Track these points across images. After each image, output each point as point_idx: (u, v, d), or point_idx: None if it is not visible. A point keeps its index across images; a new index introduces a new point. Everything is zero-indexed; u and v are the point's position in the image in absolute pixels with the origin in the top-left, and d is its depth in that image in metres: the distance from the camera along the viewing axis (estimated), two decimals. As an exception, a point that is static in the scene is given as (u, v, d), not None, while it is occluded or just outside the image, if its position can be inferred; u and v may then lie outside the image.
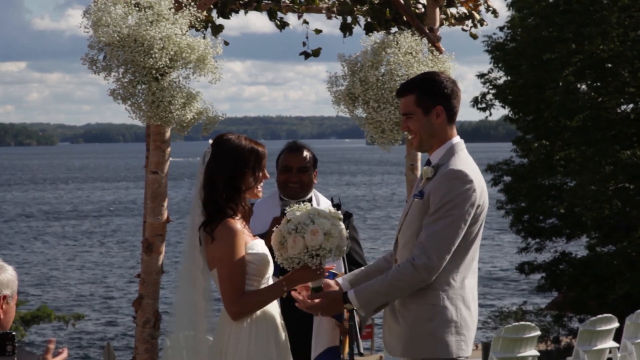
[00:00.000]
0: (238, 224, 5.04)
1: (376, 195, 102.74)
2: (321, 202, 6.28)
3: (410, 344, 4.90)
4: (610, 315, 12.39)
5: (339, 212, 5.04)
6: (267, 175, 5.26)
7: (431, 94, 4.99)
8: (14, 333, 3.25)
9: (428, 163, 5.03)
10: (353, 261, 6.00)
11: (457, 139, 5.02)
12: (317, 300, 4.97)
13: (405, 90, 5.06)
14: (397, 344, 4.95)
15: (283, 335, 5.12)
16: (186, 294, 5.16)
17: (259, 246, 5.09)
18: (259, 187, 5.19)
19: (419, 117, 4.99)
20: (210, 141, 5.18)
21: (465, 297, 4.91)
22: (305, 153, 6.23)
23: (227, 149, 5.10)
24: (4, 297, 4.07)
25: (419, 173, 5.12)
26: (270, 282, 5.15)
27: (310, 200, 6.20)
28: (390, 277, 4.82)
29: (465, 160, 4.95)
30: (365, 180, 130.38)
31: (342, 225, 4.98)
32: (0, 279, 4.09)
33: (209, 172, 5.08)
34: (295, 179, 6.16)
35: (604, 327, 12.07)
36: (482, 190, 4.92)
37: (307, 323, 5.75)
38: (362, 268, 5.34)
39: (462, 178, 4.84)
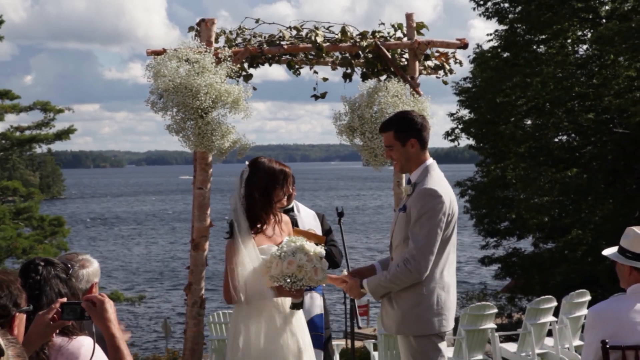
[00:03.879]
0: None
1: (367, 204, 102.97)
2: (301, 210, 6.24)
3: (402, 324, 4.90)
4: (550, 296, 12.33)
5: (322, 251, 4.93)
6: (292, 190, 5.23)
7: (406, 129, 4.97)
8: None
9: (409, 182, 5.02)
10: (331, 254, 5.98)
11: (430, 161, 5.00)
12: (344, 283, 5.04)
13: (386, 127, 5.04)
14: (392, 324, 4.94)
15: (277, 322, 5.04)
16: None
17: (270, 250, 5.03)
18: (284, 199, 5.16)
19: (398, 148, 4.98)
20: (247, 163, 5.14)
21: (445, 284, 4.90)
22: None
23: (262, 169, 5.06)
24: (95, 284, 4.15)
25: (403, 188, 5.10)
26: None
27: (292, 209, 6.15)
28: (390, 275, 4.82)
29: (437, 179, 4.92)
30: (359, 193, 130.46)
31: (319, 265, 4.88)
32: (91, 271, 4.13)
33: (248, 188, 5.01)
34: None
35: (545, 306, 12.01)
36: (450, 201, 4.89)
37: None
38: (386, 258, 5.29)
39: (433, 194, 4.81)
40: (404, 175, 6.81)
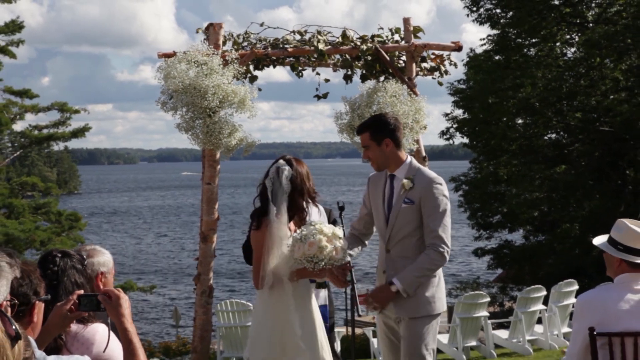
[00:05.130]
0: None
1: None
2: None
3: (423, 306, 4.89)
4: (540, 286, 12.33)
5: (339, 232, 4.90)
6: None
7: (380, 130, 4.99)
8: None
9: (392, 177, 5.00)
10: None
11: (409, 158, 5.02)
12: (370, 296, 4.95)
13: (362, 129, 5.06)
14: (413, 307, 4.88)
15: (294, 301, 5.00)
16: None
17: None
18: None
19: (374, 148, 5.00)
20: (282, 161, 5.06)
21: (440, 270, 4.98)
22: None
23: (299, 169, 5.06)
24: (102, 273, 4.11)
25: (402, 183, 5.06)
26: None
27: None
28: (425, 264, 4.80)
29: (429, 170, 5.01)
30: (359, 188, 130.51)
31: (339, 244, 4.86)
32: (97, 260, 4.12)
33: (294, 184, 4.99)
34: None
35: (535, 295, 12.01)
36: None
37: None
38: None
39: (441, 182, 4.93)
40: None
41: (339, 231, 4.93)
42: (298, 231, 4.93)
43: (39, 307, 2.83)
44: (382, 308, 4.97)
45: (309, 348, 4.95)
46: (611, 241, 4.31)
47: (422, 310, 4.88)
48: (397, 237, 4.92)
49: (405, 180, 4.95)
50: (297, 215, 5.04)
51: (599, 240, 4.39)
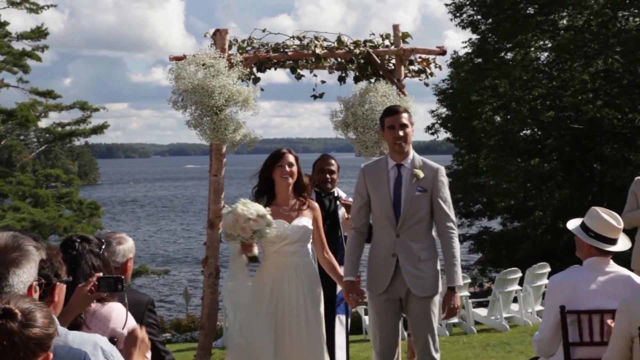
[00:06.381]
0: None
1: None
2: (340, 193, 6.19)
3: (434, 285, 4.84)
4: (516, 268, 12.36)
5: (253, 213, 4.88)
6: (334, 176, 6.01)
7: (411, 116, 5.09)
8: (122, 277, 3.23)
9: (399, 167, 4.88)
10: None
11: (412, 150, 4.98)
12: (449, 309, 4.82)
13: (403, 110, 4.98)
14: (425, 286, 4.82)
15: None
16: None
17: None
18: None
19: (410, 128, 4.93)
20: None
21: None
22: (333, 161, 6.18)
23: None
24: (130, 259, 4.13)
25: (415, 172, 4.99)
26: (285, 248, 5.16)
27: (333, 194, 6.03)
28: (454, 250, 4.81)
29: (430, 160, 4.99)
30: (351, 179, 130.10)
31: (247, 224, 4.84)
32: (127, 247, 4.11)
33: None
34: (330, 178, 6.07)
35: (512, 277, 12.02)
36: None
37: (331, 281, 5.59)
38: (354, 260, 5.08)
39: (444, 171, 4.94)
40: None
41: (251, 212, 4.87)
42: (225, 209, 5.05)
43: (60, 288, 2.81)
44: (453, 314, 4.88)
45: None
46: (584, 227, 4.28)
47: (432, 289, 4.83)
48: (410, 222, 4.79)
49: (417, 170, 4.84)
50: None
51: (573, 224, 4.35)
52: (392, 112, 4.94)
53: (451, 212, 4.85)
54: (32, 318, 2.13)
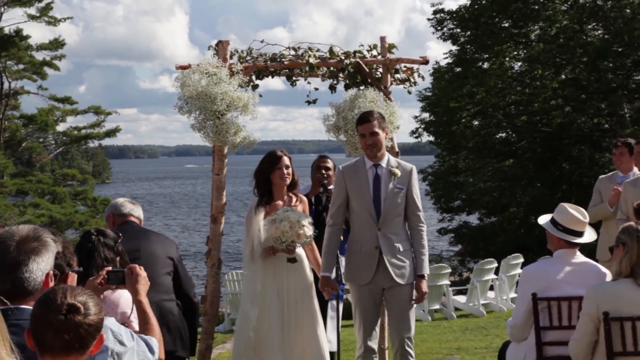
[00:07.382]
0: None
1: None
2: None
3: (410, 273, 4.84)
4: (492, 259, 12.38)
5: (303, 220, 5.02)
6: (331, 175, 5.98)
7: (384, 122, 5.01)
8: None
9: (376, 166, 4.88)
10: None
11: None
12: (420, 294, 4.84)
13: (371, 118, 4.95)
14: (405, 274, 4.83)
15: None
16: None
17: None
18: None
19: (381, 135, 4.91)
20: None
21: None
22: (329, 160, 6.32)
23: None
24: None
25: (394, 170, 4.98)
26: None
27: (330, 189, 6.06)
28: (423, 242, 4.86)
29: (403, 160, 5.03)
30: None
31: (302, 230, 4.96)
32: None
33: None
34: (326, 174, 6.17)
35: (488, 267, 12.04)
36: None
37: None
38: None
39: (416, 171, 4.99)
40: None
41: (302, 219, 4.98)
42: (271, 216, 5.06)
43: (72, 277, 2.81)
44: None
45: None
46: (553, 221, 4.29)
47: (412, 277, 4.84)
48: (389, 217, 4.80)
49: (395, 169, 4.85)
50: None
51: (543, 219, 4.36)
52: (363, 120, 4.94)
53: (421, 207, 4.89)
54: (89, 307, 2.24)
